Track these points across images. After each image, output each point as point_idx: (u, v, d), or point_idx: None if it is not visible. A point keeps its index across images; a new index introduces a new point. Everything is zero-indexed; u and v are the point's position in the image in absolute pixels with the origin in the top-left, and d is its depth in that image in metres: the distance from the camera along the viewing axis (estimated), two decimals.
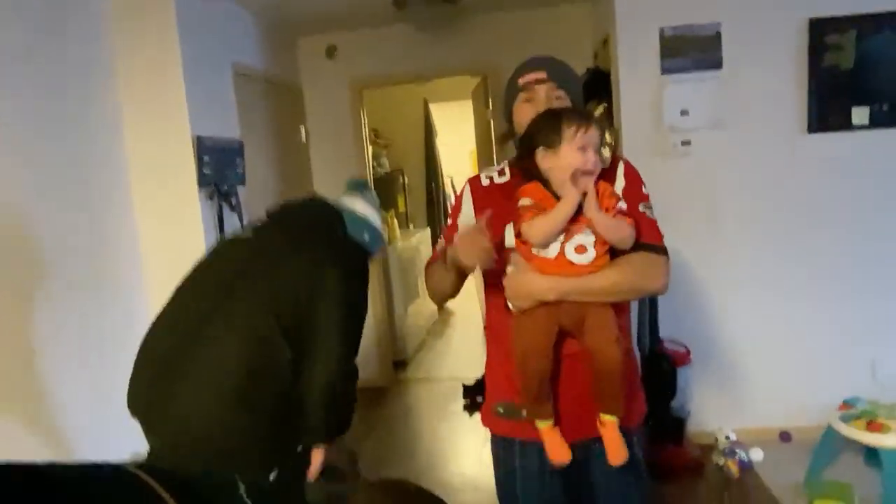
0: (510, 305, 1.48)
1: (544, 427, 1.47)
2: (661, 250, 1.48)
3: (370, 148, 4.97)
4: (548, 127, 1.43)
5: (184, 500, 0.37)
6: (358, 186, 1.95)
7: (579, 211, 1.40)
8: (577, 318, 1.42)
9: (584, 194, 1.39)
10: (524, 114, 1.52)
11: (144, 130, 3.00)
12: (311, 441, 1.72)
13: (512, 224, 1.45)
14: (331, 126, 4.62)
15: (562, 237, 1.40)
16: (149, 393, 1.62)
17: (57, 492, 0.34)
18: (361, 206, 1.87)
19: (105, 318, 2.81)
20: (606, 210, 1.41)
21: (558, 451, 1.46)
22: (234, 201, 3.27)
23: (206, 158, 3.06)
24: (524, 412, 1.50)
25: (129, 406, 1.64)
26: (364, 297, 1.77)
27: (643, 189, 1.54)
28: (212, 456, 1.55)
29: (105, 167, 2.88)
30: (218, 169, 3.16)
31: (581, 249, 1.40)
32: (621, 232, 1.41)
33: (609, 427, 1.45)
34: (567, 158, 1.40)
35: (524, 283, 1.43)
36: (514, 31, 4.26)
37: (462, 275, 1.52)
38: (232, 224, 3.28)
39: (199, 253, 3.01)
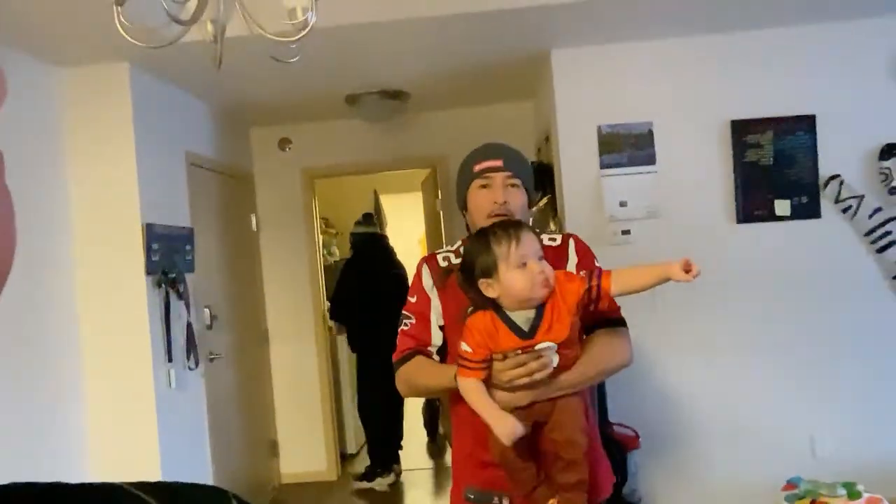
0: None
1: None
2: (621, 321, 1.53)
3: (321, 237, 5.02)
4: (480, 253, 1.37)
5: None
6: None
7: (534, 333, 1.36)
8: (547, 412, 1.42)
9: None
10: (479, 200, 1.54)
11: (93, 215, 2.99)
12: None
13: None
14: (282, 214, 4.66)
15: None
16: None
17: None
18: None
19: (39, 404, 2.67)
20: (571, 295, 1.37)
21: None
22: (181, 289, 3.23)
23: (154, 246, 3.05)
24: (496, 499, 1.48)
25: None
26: None
27: (595, 262, 1.60)
28: None
29: (49, 251, 2.83)
30: (167, 256, 3.14)
31: None
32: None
33: None
34: (512, 282, 1.34)
35: (494, 394, 1.41)
36: (462, 127, 4.46)
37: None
38: (178, 312, 3.22)
39: (142, 339, 2.96)
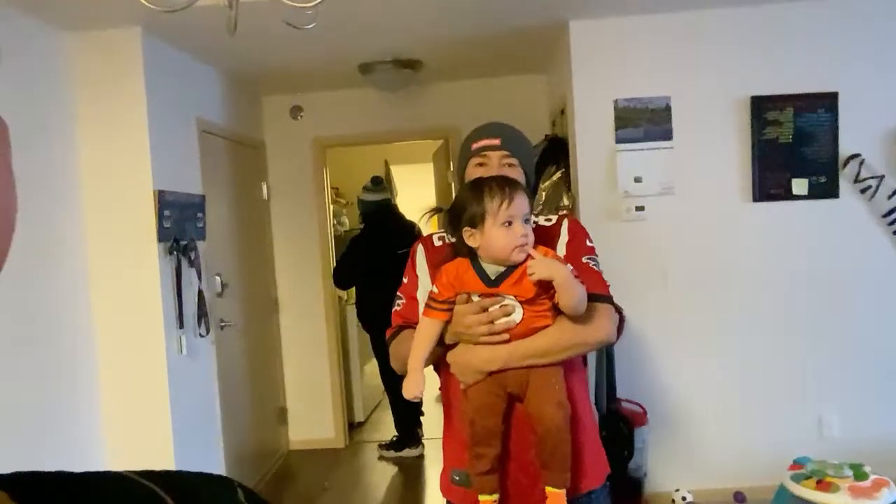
0: (460, 381, 1.46)
1: (487, 500, 1.42)
2: (606, 299, 1.46)
3: (331, 206, 5.00)
4: (471, 202, 1.38)
5: (183, 501, 0.38)
6: None
7: (499, 283, 1.37)
8: (522, 383, 1.39)
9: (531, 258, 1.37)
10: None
11: (104, 182, 2.98)
12: None
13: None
14: (292, 183, 4.65)
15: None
16: None
17: (59, 496, 0.36)
18: None
19: (52, 371, 2.70)
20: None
21: None
22: (192, 256, 3.24)
23: (166, 213, 3.04)
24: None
25: None
26: None
27: (588, 242, 1.54)
28: None
29: (60, 218, 2.83)
30: (178, 223, 3.14)
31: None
32: (577, 291, 1.34)
33: (553, 500, 1.39)
34: (493, 239, 1.35)
35: (465, 356, 1.42)
36: (475, 98, 4.42)
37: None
38: (189, 279, 3.23)
39: (154, 306, 2.98)
